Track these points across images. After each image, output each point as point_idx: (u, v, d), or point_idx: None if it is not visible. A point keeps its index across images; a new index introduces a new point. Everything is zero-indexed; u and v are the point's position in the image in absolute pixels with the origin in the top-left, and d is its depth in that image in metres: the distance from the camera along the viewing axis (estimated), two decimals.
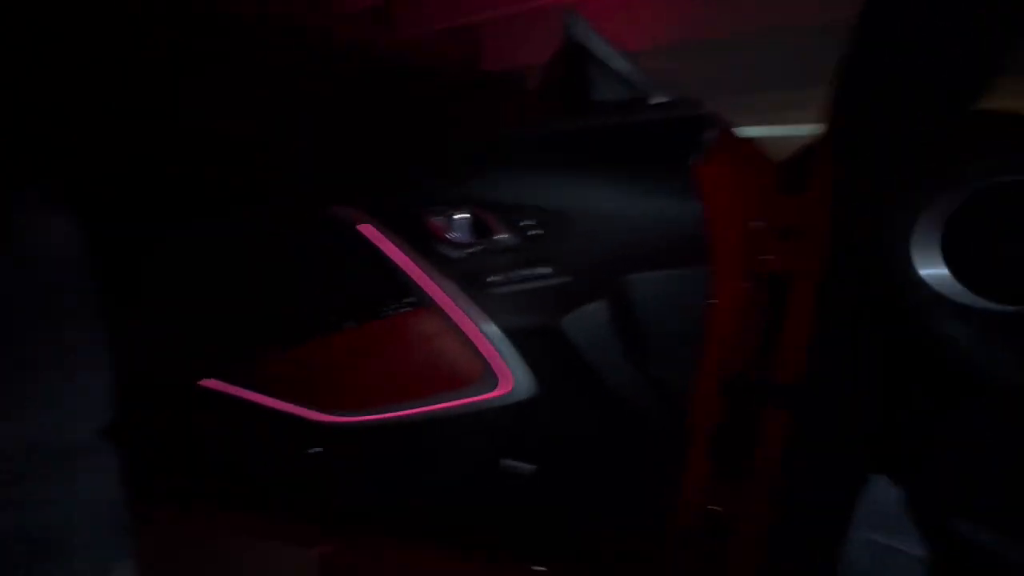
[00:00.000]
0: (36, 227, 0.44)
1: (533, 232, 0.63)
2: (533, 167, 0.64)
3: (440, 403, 0.66)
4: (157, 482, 0.80)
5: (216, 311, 0.73)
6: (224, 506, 0.81)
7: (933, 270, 0.52)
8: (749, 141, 0.68)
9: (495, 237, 0.63)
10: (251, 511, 0.81)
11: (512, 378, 0.62)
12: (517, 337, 0.61)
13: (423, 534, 0.72)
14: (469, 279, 0.62)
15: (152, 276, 0.75)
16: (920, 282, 0.52)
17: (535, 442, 0.65)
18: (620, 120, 0.60)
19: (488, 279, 0.62)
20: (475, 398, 0.64)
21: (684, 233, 0.60)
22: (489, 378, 0.63)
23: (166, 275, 0.74)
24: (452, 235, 0.65)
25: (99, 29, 0.72)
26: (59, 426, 0.47)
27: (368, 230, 0.66)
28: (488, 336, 0.61)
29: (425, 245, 0.64)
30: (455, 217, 0.67)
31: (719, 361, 0.63)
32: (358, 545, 0.79)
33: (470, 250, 0.63)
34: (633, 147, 0.61)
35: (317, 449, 0.72)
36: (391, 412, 0.67)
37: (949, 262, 0.52)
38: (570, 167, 0.63)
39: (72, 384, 0.48)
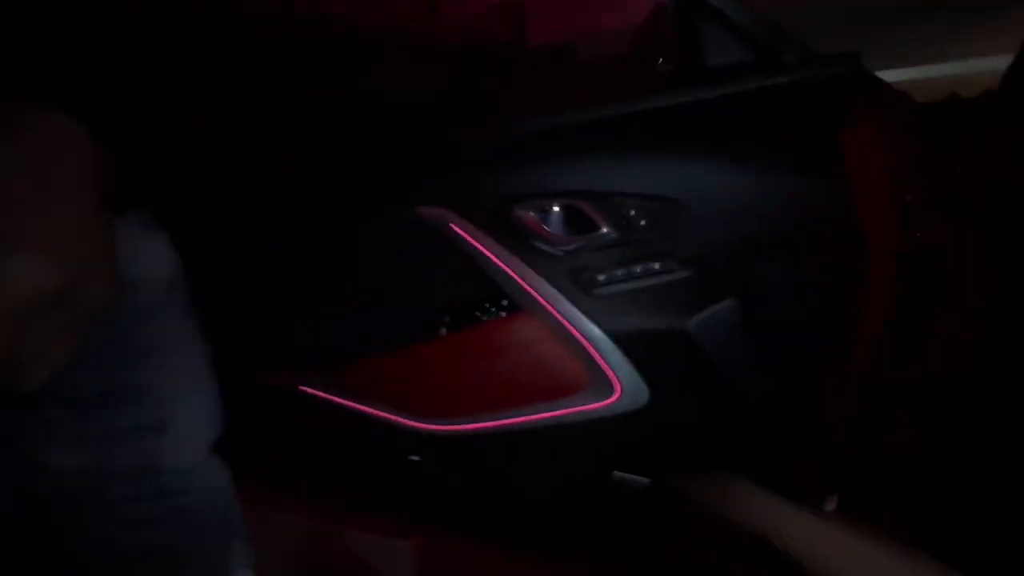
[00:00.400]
0: (137, 251, 0.43)
1: (640, 223, 0.56)
2: (634, 149, 0.56)
3: (540, 413, 0.61)
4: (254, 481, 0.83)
5: (310, 316, 0.73)
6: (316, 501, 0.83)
7: None
8: (897, 93, 0.57)
9: (598, 232, 0.56)
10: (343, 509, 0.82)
11: (620, 387, 0.56)
12: (627, 342, 0.54)
13: (524, 544, 0.69)
14: (569, 279, 0.56)
15: (245, 280, 0.76)
16: None
17: (647, 454, 0.59)
18: (744, 86, 0.50)
19: (591, 278, 0.56)
20: (578, 408, 0.59)
21: (828, 215, 0.50)
22: (596, 387, 0.58)
23: (259, 280, 0.75)
24: (548, 231, 0.59)
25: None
26: (174, 449, 0.47)
27: (460, 229, 0.61)
28: (593, 341, 0.55)
29: (519, 243, 0.59)
30: (550, 210, 0.61)
31: (868, 361, 0.54)
32: (450, 537, 0.78)
33: (569, 247, 0.58)
34: (761, 116, 0.52)
35: (415, 457, 0.70)
36: (488, 421, 0.64)
37: None
38: (680, 146, 0.54)
39: (185, 406, 0.48)
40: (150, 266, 0.46)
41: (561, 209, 0.60)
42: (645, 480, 0.60)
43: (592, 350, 0.56)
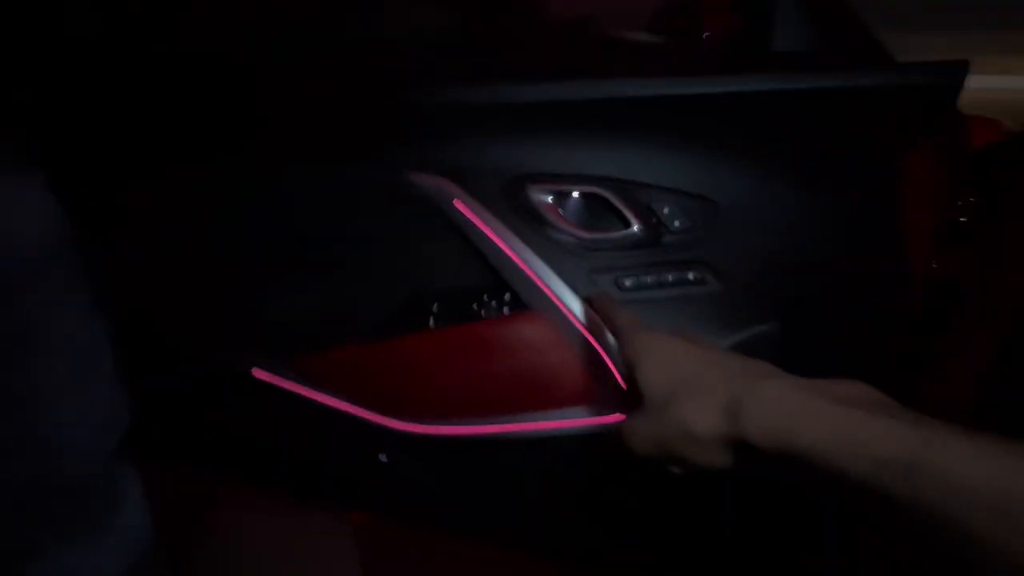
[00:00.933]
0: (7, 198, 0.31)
1: (674, 224, 0.50)
2: (677, 136, 0.49)
3: (538, 421, 0.55)
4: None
5: (273, 290, 0.62)
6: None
7: None
8: (959, 115, 0.53)
9: (627, 228, 0.50)
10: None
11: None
12: None
13: (508, 548, 0.64)
14: (590, 279, 0.50)
15: (179, 240, 0.63)
16: None
17: (650, 478, 0.54)
18: (829, 80, 0.44)
19: (615, 281, 0.49)
20: (583, 421, 0.53)
21: (878, 241, 0.46)
22: (605, 400, 0.52)
23: (196, 240, 0.62)
24: (567, 219, 0.51)
25: None
26: (60, 467, 0.36)
27: (463, 207, 0.53)
28: (611, 352, 0.49)
29: (532, 230, 0.51)
30: (570, 196, 0.53)
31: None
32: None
33: (591, 242, 0.51)
34: (834, 119, 0.46)
35: (383, 457, 0.62)
36: (474, 426, 0.57)
37: None
38: (731, 140, 0.48)
39: (71, 411, 0.36)
40: (14, 223, 0.33)
41: (582, 197, 0.53)
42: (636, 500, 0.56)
43: (609, 362, 0.50)
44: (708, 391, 0.35)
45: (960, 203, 0.55)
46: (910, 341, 0.49)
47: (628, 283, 0.49)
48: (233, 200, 0.60)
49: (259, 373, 0.64)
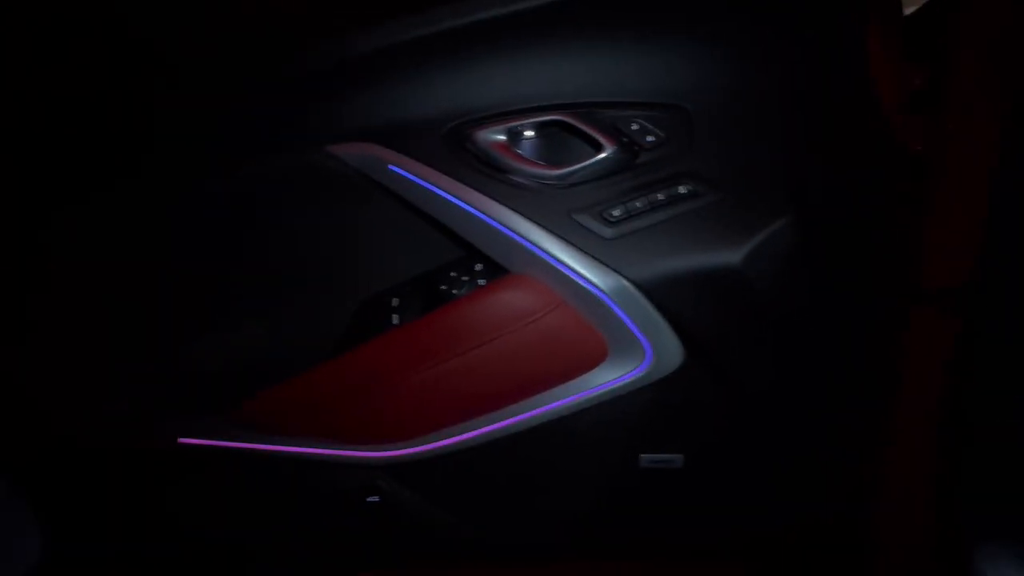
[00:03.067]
0: None
1: (646, 139, 0.44)
2: (627, 42, 0.43)
3: (549, 403, 0.47)
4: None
5: (180, 335, 0.48)
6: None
7: None
8: None
9: (600, 154, 0.43)
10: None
11: (649, 349, 0.44)
12: (658, 290, 0.42)
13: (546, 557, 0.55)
14: (572, 218, 0.42)
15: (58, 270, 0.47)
16: None
17: (683, 426, 0.48)
18: None
19: (600, 214, 0.42)
20: (599, 386, 0.45)
21: (861, 117, 0.43)
22: (619, 355, 0.45)
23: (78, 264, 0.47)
24: (527, 159, 0.44)
25: None
26: None
27: (402, 170, 0.43)
28: (614, 295, 0.42)
29: (489, 179, 0.43)
30: (521, 134, 0.45)
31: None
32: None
33: (562, 178, 0.43)
34: None
35: (374, 498, 0.51)
36: (473, 430, 0.48)
37: None
38: (689, 34, 0.42)
39: None
40: None
41: (538, 129, 0.45)
42: (679, 458, 0.50)
43: (614, 306, 0.42)
44: None
45: (914, 72, 0.54)
46: (907, 218, 0.47)
47: (616, 213, 0.42)
48: (126, 231, 0.47)
49: (186, 440, 0.51)
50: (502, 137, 0.44)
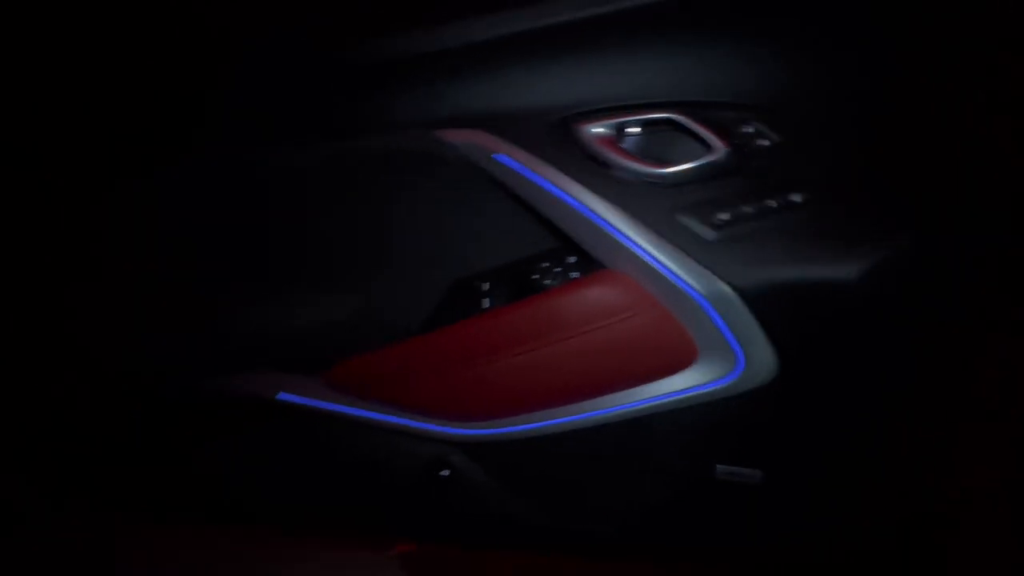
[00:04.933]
0: None
1: (758, 143, 0.42)
2: (748, 42, 0.42)
3: (632, 401, 0.47)
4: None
5: (284, 299, 0.52)
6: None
7: None
8: None
9: (711, 155, 0.42)
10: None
11: (742, 358, 0.43)
12: (760, 299, 0.41)
13: (603, 555, 0.56)
14: (676, 219, 0.42)
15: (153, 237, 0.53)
16: None
17: (768, 439, 0.47)
18: None
19: (707, 217, 0.41)
20: (687, 389, 0.45)
21: (994, 134, 0.39)
22: (710, 361, 0.44)
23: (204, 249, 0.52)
24: (634, 156, 0.43)
25: None
26: None
27: (509, 159, 0.44)
28: (713, 300, 0.41)
29: (593, 174, 0.43)
30: (625, 130, 0.45)
31: None
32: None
33: (669, 177, 0.43)
34: None
35: (445, 472, 0.54)
36: (552, 418, 0.48)
37: None
38: (811, 33, 0.40)
39: None
40: None
41: (646, 127, 0.45)
42: (757, 473, 0.49)
43: (711, 311, 0.42)
44: None
45: None
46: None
47: (723, 217, 0.41)
48: (230, 199, 0.51)
49: (285, 397, 0.55)
50: (609, 132, 0.44)
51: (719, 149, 0.42)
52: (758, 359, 0.43)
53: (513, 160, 0.44)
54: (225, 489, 0.64)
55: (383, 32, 0.47)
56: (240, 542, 0.66)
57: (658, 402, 0.45)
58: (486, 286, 0.49)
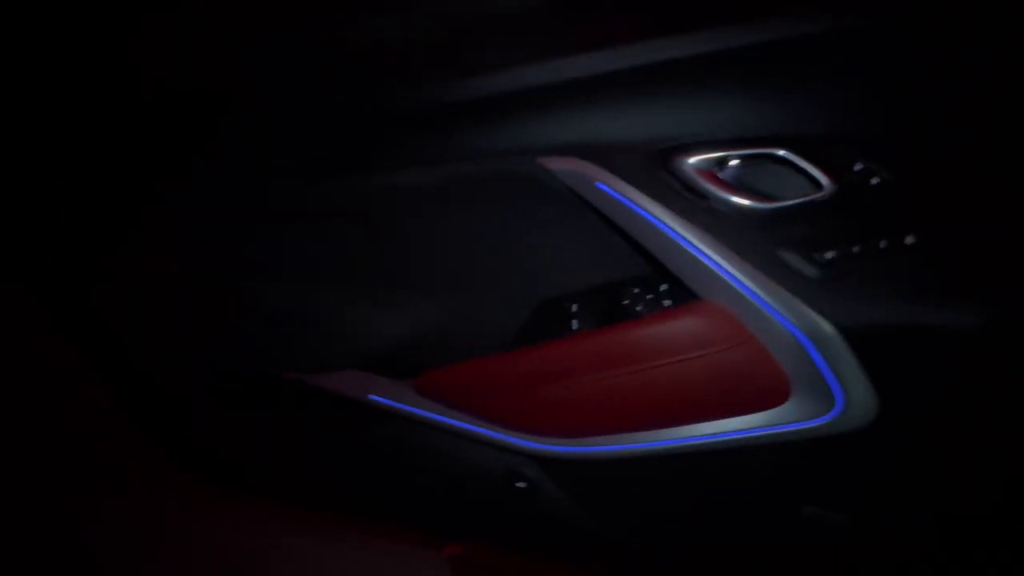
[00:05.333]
0: None
1: (871, 181, 0.42)
2: (865, 78, 0.41)
3: (715, 432, 0.47)
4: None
5: (383, 306, 0.56)
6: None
7: None
8: None
9: (818, 192, 0.42)
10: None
11: (840, 399, 0.42)
12: (866, 340, 0.40)
13: None
14: (779, 255, 0.42)
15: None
16: None
17: (857, 486, 0.46)
18: None
19: (811, 255, 0.41)
20: (772, 427, 0.45)
21: None
22: (805, 399, 0.44)
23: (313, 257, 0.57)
24: (736, 190, 0.44)
25: None
26: None
27: (609, 188, 0.46)
28: (809, 338, 0.41)
29: (694, 206, 0.44)
30: (727, 163, 0.46)
31: None
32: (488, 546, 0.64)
33: (773, 211, 0.43)
34: None
35: (522, 483, 0.55)
36: (634, 442, 0.49)
37: None
38: (914, 67, 0.40)
39: None
40: None
41: (743, 161, 0.45)
42: (843, 518, 0.47)
43: (812, 350, 0.41)
44: None
45: None
46: None
47: (828, 255, 0.41)
48: (342, 213, 0.56)
49: (376, 399, 0.58)
50: (712, 164, 0.45)
51: (827, 186, 0.41)
52: (858, 401, 0.42)
53: (613, 189, 0.46)
54: (301, 476, 0.68)
55: (490, 67, 0.51)
56: (290, 527, 0.70)
57: (743, 436, 0.45)
58: (575, 307, 0.51)
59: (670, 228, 0.44)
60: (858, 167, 0.42)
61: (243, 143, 0.55)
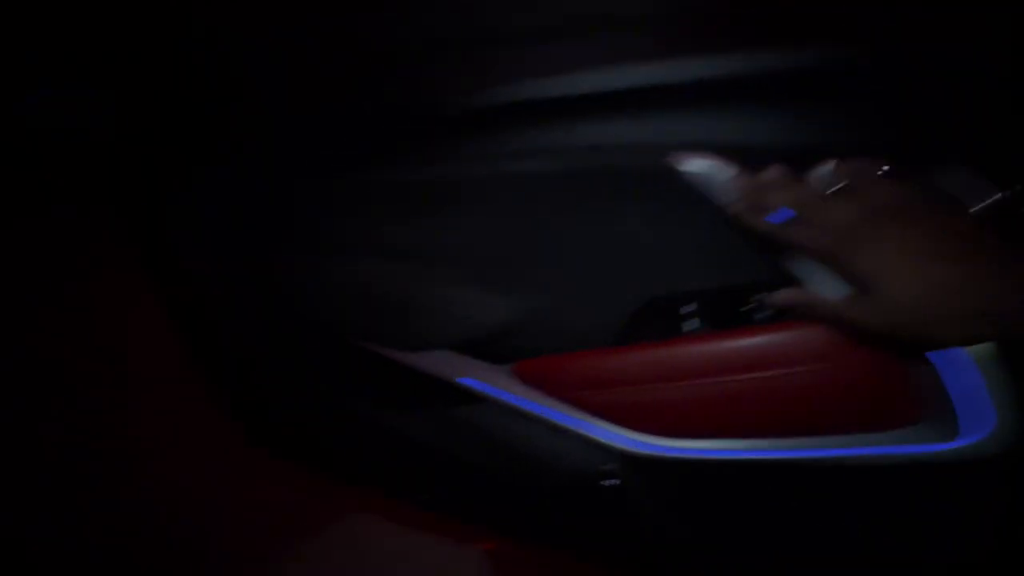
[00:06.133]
0: None
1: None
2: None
3: (832, 446, 0.45)
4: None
5: (487, 293, 0.57)
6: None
7: None
8: None
9: (994, 195, 0.40)
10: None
11: (990, 420, 0.40)
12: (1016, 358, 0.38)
13: None
14: None
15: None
16: None
17: (996, 507, 0.43)
18: None
19: None
20: (912, 448, 0.42)
21: None
22: (941, 418, 0.42)
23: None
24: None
25: None
26: None
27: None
28: (970, 356, 0.39)
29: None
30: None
31: None
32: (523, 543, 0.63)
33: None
34: None
35: (613, 481, 0.55)
36: (738, 449, 0.48)
37: None
38: None
39: None
40: None
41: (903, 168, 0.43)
42: (976, 548, 0.45)
43: (951, 367, 0.39)
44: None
45: None
46: None
47: None
48: (451, 197, 0.56)
49: (468, 382, 0.59)
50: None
51: (999, 195, 0.39)
52: (1007, 424, 0.39)
53: None
54: (383, 459, 0.69)
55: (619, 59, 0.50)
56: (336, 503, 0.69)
57: (869, 454, 0.43)
58: (689, 309, 0.50)
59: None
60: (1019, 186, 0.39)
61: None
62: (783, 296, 0.43)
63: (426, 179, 0.55)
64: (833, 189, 0.40)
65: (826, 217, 0.39)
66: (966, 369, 0.39)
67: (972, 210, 0.39)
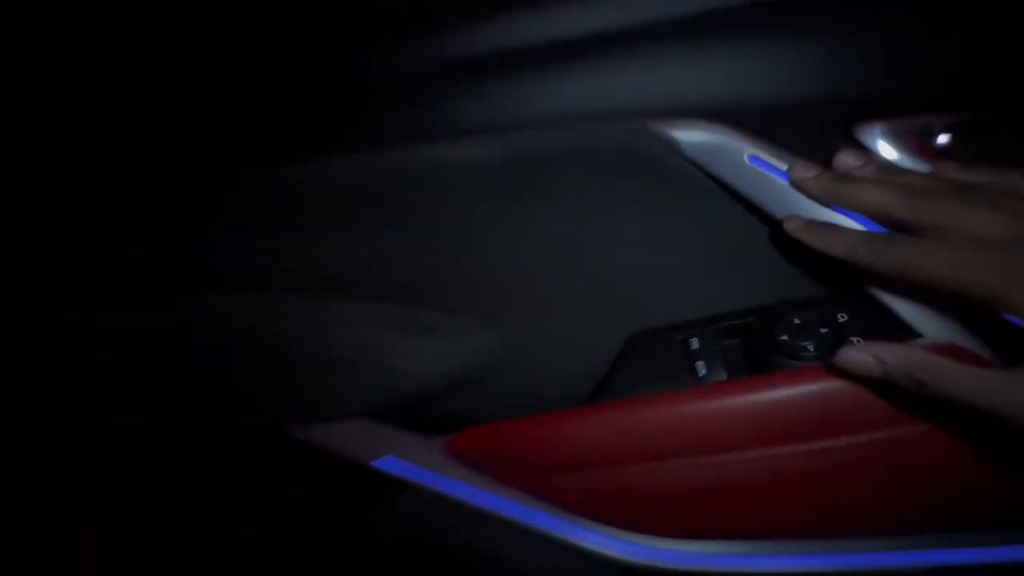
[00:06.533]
0: None
1: None
2: None
3: (925, 547, 0.30)
4: None
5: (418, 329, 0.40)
6: None
7: None
8: None
9: None
10: None
11: None
12: None
13: None
14: None
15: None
16: None
17: None
18: None
19: None
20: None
21: None
22: None
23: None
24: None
25: None
26: None
27: (764, 163, 0.31)
28: None
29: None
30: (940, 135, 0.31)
31: None
32: None
33: None
34: None
35: None
36: (800, 553, 0.32)
37: None
38: None
39: None
40: None
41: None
42: None
43: None
44: None
45: None
46: None
47: None
48: (351, 197, 0.40)
49: (386, 463, 0.41)
50: (916, 129, 0.30)
51: None
52: None
53: (772, 165, 0.31)
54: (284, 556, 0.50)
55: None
56: None
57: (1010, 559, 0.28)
58: (695, 343, 0.35)
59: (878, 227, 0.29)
60: None
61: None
62: (911, 357, 0.25)
63: (334, 177, 0.39)
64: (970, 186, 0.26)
65: (971, 233, 0.24)
66: None
67: None
